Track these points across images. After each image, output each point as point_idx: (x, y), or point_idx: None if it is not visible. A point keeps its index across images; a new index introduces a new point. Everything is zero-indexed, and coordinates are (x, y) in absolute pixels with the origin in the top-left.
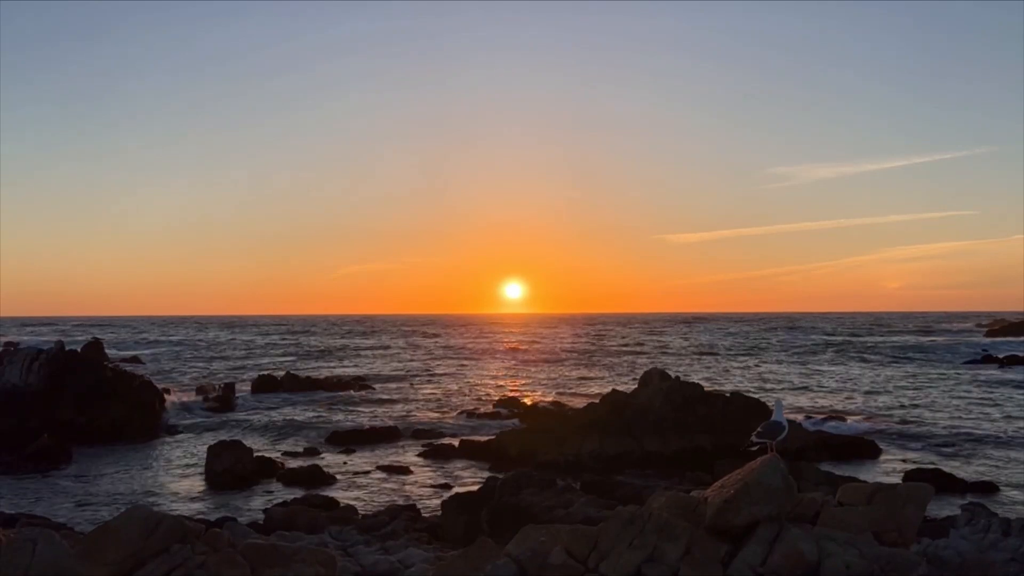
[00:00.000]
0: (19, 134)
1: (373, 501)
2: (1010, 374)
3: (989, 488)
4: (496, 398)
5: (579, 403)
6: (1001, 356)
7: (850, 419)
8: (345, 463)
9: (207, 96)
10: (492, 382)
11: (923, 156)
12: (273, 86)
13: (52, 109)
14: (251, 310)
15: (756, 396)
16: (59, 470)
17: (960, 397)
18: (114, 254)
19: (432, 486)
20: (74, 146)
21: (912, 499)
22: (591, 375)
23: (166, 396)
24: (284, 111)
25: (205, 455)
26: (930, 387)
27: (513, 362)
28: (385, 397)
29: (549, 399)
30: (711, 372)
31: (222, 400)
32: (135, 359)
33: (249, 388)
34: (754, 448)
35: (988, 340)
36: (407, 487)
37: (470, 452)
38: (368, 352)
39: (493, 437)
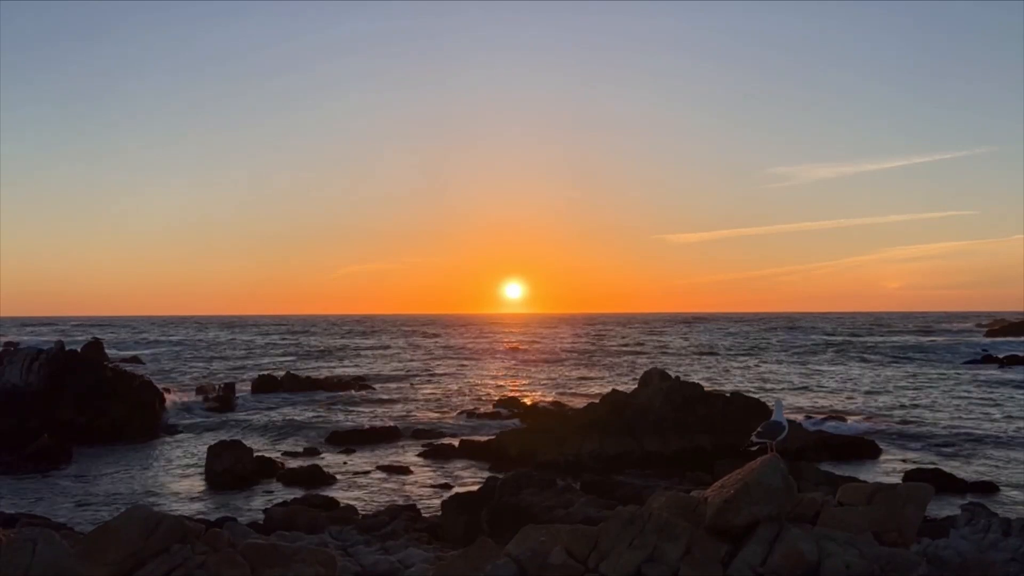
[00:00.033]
0: (19, 134)
1: (373, 501)
2: (1010, 374)
3: (989, 488)
4: (496, 398)
5: (579, 403)
6: (1001, 356)
7: (850, 419)
8: (345, 463)
9: (207, 96)
10: (492, 382)
11: (923, 156)
12: (273, 86)
13: (52, 109)
14: (251, 310)
15: (756, 396)
16: (59, 470)
17: (960, 397)
18: (114, 254)
19: (432, 486)
20: (74, 146)
21: (912, 499)
22: (591, 375)
23: (166, 396)
24: (284, 111)
25: (205, 455)
26: (930, 387)
27: (513, 362)
28: (385, 397)
29: (549, 399)
30: (711, 372)
31: (222, 400)
32: (135, 359)
33: (249, 388)
34: (754, 448)
35: (988, 340)
36: (407, 487)
37: (470, 452)
38: (368, 352)
39: (493, 437)
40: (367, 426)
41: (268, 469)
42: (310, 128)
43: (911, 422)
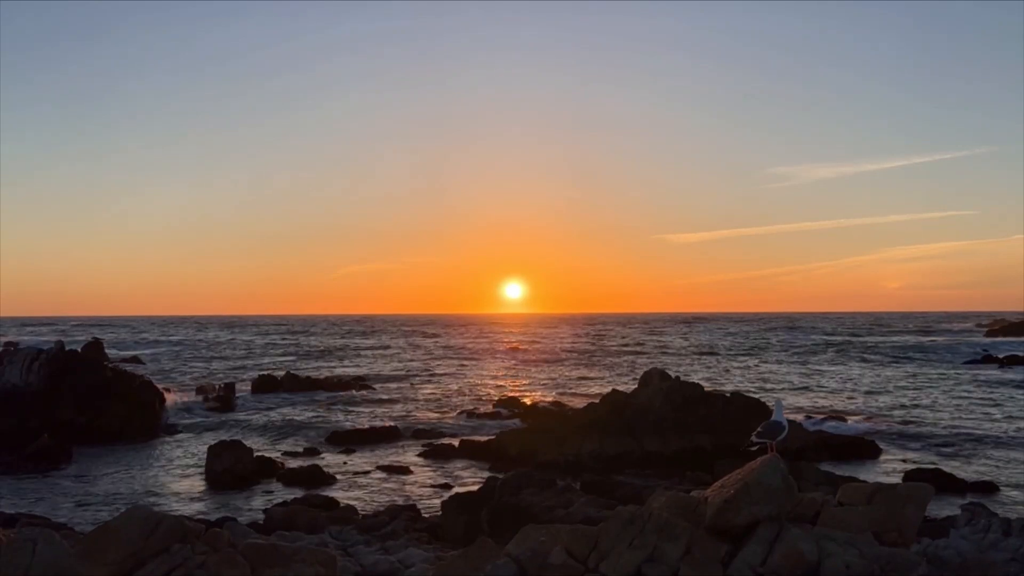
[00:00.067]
0: (19, 134)
1: (373, 501)
2: (1010, 374)
3: (989, 488)
4: (496, 398)
5: (579, 403)
6: (1001, 356)
7: (850, 419)
8: (345, 463)
9: (207, 96)
10: (492, 382)
11: (923, 156)
12: (273, 86)
13: (52, 109)
14: (251, 310)
15: (756, 396)
16: (59, 470)
17: (960, 397)
18: (114, 254)
19: (432, 486)
20: (74, 146)
21: (912, 499)
22: (591, 375)
23: (166, 396)
24: (284, 111)
25: (205, 455)
26: (930, 387)
27: (513, 362)
28: (385, 397)
29: (549, 399)
30: (711, 372)
31: (222, 400)
32: (135, 359)
33: (249, 388)
34: (754, 448)
35: (988, 340)
36: (407, 487)
37: (470, 452)
38: (368, 352)
39: (493, 437)
40: (367, 426)
41: (268, 469)
42: (310, 128)
43: (911, 422)
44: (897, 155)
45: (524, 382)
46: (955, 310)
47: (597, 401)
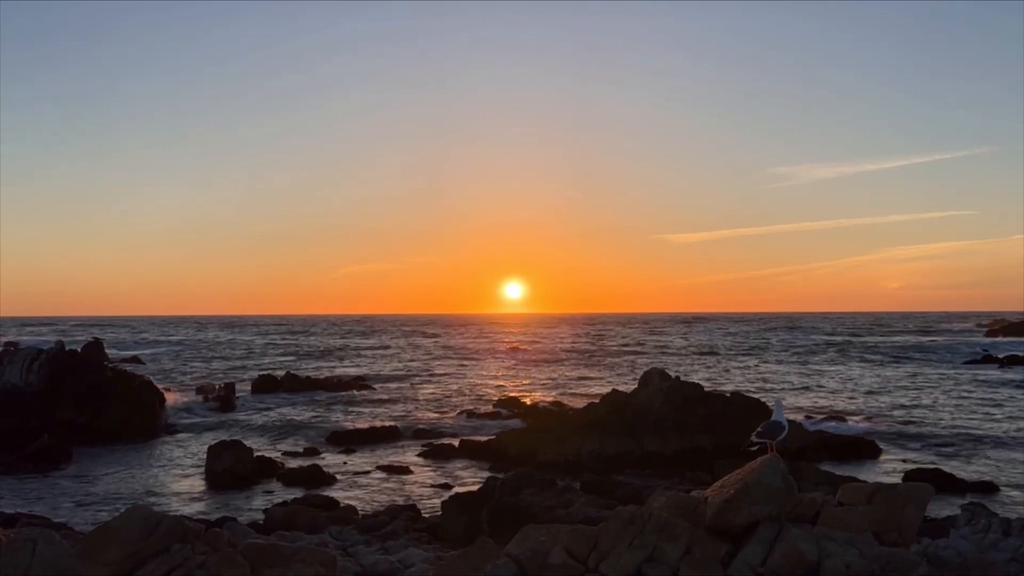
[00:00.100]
0: (19, 134)
1: (373, 501)
2: (1010, 374)
3: (989, 488)
4: (496, 398)
5: (579, 403)
6: (1001, 356)
7: (850, 419)
8: (345, 463)
9: (207, 96)
10: (492, 382)
11: (923, 156)
12: (273, 86)
13: (52, 109)
14: (251, 310)
15: (756, 396)
16: (59, 470)
17: (960, 397)
18: (114, 254)
19: (432, 486)
20: (74, 146)
21: (912, 499)
22: (591, 375)
23: (166, 396)
24: (284, 111)
25: (205, 455)
26: (930, 387)
27: (513, 362)
28: (385, 397)
29: (549, 399)
30: (711, 372)
31: (222, 400)
32: (135, 359)
33: (249, 388)
34: (754, 448)
35: (988, 340)
36: (407, 487)
37: (470, 452)
38: (368, 352)
39: (493, 437)
40: (367, 426)
41: (268, 469)
42: (310, 128)
43: (911, 422)
44: (897, 155)
45: (524, 382)
46: (955, 310)
47: (597, 401)
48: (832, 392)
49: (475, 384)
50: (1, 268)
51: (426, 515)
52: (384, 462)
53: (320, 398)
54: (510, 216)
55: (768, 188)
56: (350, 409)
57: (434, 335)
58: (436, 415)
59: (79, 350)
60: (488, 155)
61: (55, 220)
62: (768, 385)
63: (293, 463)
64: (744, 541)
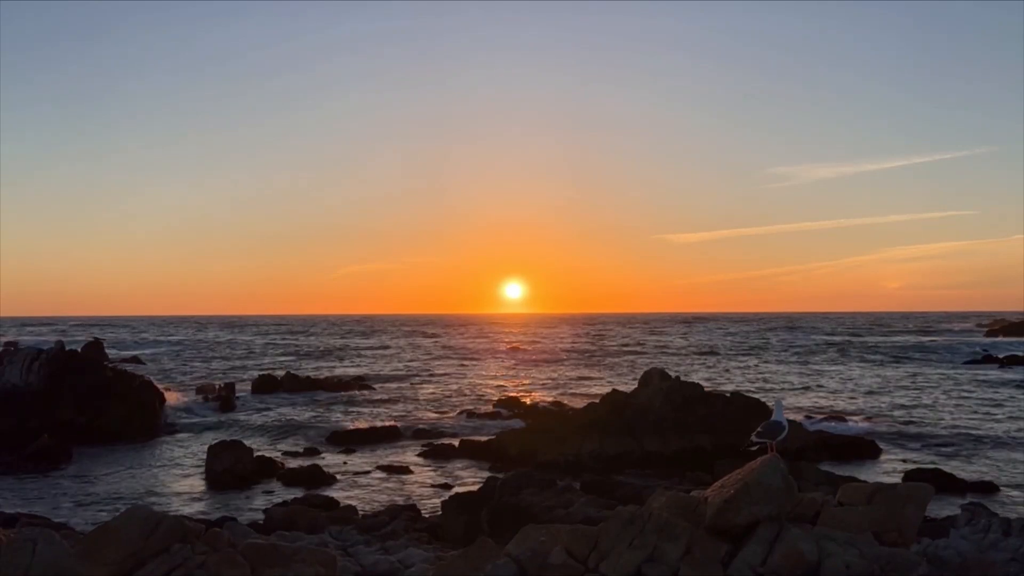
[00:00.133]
0: (19, 134)
1: (373, 501)
2: (1010, 374)
3: (989, 488)
4: (496, 398)
5: (579, 403)
6: (1001, 356)
7: (850, 419)
8: (345, 463)
9: (207, 96)
10: (492, 382)
11: (923, 156)
12: (273, 86)
13: (52, 109)
14: (251, 310)
15: (756, 396)
16: (59, 470)
17: (960, 397)
18: (114, 254)
19: (432, 486)
20: (74, 146)
21: (912, 499)
22: (591, 375)
23: (166, 396)
24: (284, 111)
25: (205, 455)
26: (930, 387)
27: (513, 362)
28: (385, 397)
29: (549, 399)
30: (711, 372)
31: (222, 400)
32: (135, 359)
33: (249, 388)
34: (754, 448)
35: (988, 340)
36: (407, 487)
37: (470, 452)
38: (368, 352)
39: (493, 437)
40: (367, 426)
41: (268, 469)
42: (310, 128)
43: (911, 422)
44: (897, 155)
45: (524, 382)
46: (955, 310)
47: (597, 401)
48: (832, 392)
49: (475, 384)
50: (1, 268)
51: (426, 515)
52: (384, 462)
53: (320, 398)
54: (510, 216)
55: (768, 188)
56: (350, 409)
57: (434, 335)
58: (436, 415)
59: (79, 350)
60: (488, 155)
61: (55, 220)
62: (768, 385)
63: (293, 463)
64: (744, 541)
